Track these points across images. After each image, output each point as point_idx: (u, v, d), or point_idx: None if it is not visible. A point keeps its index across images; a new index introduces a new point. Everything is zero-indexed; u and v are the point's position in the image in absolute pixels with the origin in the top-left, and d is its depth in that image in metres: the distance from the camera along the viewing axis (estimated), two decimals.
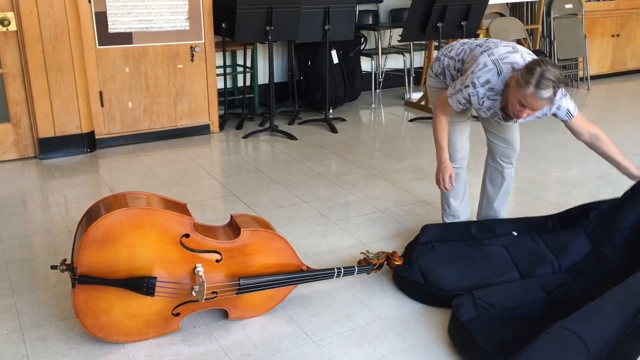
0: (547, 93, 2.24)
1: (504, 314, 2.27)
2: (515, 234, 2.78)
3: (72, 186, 3.78)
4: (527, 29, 6.03)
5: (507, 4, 6.12)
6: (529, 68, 2.27)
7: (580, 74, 6.59)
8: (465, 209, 3.01)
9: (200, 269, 2.18)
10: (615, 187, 3.79)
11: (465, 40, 2.75)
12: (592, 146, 2.64)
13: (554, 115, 2.52)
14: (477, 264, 2.60)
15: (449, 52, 2.74)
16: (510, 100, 2.37)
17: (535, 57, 2.43)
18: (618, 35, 6.83)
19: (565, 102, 2.47)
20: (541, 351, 1.94)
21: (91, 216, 2.13)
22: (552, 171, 4.09)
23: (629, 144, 4.64)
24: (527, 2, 6.11)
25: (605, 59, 6.88)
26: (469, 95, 2.48)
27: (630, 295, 2.17)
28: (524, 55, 2.46)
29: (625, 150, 4.45)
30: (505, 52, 2.47)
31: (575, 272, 2.52)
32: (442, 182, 2.69)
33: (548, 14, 6.18)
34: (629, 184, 3.82)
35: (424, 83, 2.96)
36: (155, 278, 2.13)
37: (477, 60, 2.48)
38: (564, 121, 2.55)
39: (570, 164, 4.23)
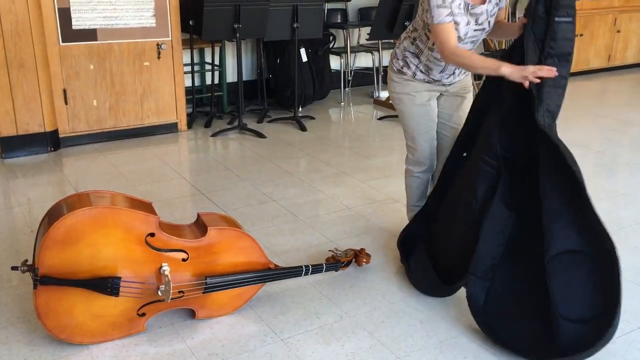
0: None
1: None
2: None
3: (35, 186, 3.70)
4: None
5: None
6: None
7: None
8: None
9: (166, 268, 2.15)
10: None
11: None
12: (497, 29, 2.56)
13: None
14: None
15: (401, 41, 2.67)
16: None
17: None
18: (581, 35, 6.97)
19: None
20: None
21: (52, 216, 2.09)
22: None
23: (590, 141, 4.74)
24: None
25: None
26: None
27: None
28: None
29: (586, 146, 4.57)
30: None
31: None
32: (535, 75, 2.19)
33: (513, 14, 6.27)
34: (594, 180, 3.90)
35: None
36: (120, 278, 2.09)
37: None
38: (499, 8, 2.51)
39: None
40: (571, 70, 6.37)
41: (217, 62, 5.41)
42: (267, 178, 3.91)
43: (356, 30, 6.41)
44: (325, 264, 2.58)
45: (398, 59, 2.66)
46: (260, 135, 4.80)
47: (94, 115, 4.44)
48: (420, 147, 2.73)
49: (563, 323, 2.05)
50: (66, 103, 4.31)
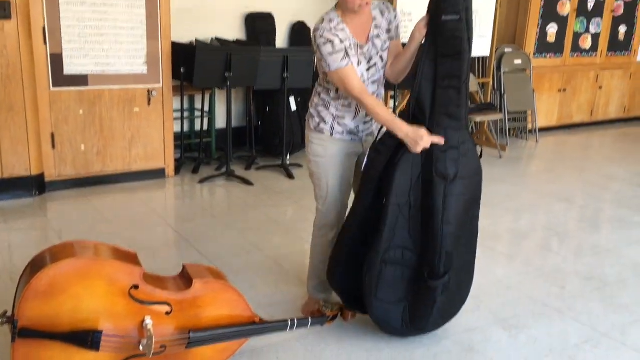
0: None
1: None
2: None
3: (18, 230, 3.65)
4: (479, 83, 6.24)
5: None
6: None
7: (529, 126, 6.83)
8: None
9: (149, 321, 2.11)
10: (564, 238, 3.90)
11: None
12: (394, 67, 2.56)
13: (388, 29, 2.53)
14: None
15: (312, 99, 2.65)
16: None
17: None
18: (564, 90, 7.15)
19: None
20: None
21: (36, 266, 2.05)
22: (503, 221, 4.18)
23: (574, 196, 4.80)
24: (479, 58, 6.34)
25: (553, 112, 7.17)
26: (324, 37, 2.36)
27: None
28: None
29: (570, 201, 4.63)
30: None
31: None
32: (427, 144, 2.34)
33: (498, 68, 6.42)
34: (577, 235, 3.94)
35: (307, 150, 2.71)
36: (101, 332, 2.04)
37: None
38: (392, 38, 2.53)
39: (520, 215, 4.33)
40: (555, 124, 6.55)
41: (207, 108, 5.46)
42: (254, 226, 3.89)
43: None
44: (311, 318, 2.55)
45: (314, 117, 2.60)
46: (247, 182, 4.81)
47: (81, 160, 4.43)
48: (332, 209, 2.65)
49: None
50: (54, 147, 4.30)
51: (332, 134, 2.56)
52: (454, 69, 2.31)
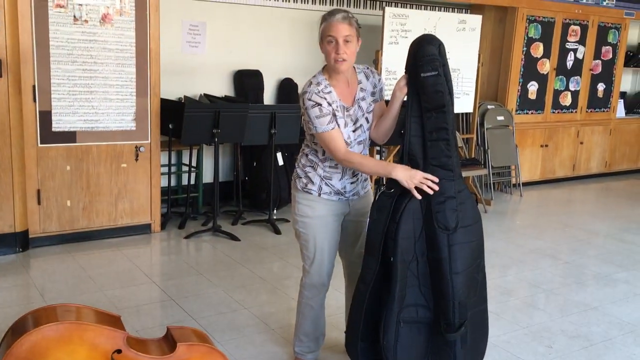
0: (339, 14, 2.42)
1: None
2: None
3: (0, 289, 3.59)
4: (463, 138, 6.36)
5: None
6: (321, 18, 2.48)
7: (513, 180, 6.93)
8: (321, 338, 2.85)
9: None
10: (550, 295, 3.91)
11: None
12: (378, 128, 2.62)
13: (373, 92, 2.59)
14: None
15: (299, 159, 2.69)
16: (325, 53, 2.46)
17: None
18: (546, 146, 7.29)
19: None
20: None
21: (17, 330, 2.03)
22: (489, 278, 4.17)
23: (559, 251, 4.84)
24: (463, 114, 6.49)
25: (536, 167, 7.28)
26: (312, 100, 2.44)
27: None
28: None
29: (555, 256, 4.66)
30: None
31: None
32: (425, 186, 2.38)
33: (482, 124, 6.56)
34: (562, 292, 3.94)
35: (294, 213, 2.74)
36: None
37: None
38: (376, 101, 2.61)
39: (506, 271, 4.35)
40: (539, 179, 6.63)
41: (194, 163, 5.49)
42: (240, 284, 3.86)
43: None
44: None
45: (301, 178, 2.63)
46: (234, 237, 4.80)
47: (67, 216, 4.41)
48: (320, 269, 2.65)
49: None
50: (39, 203, 4.29)
51: (319, 194, 2.59)
52: (440, 122, 2.39)
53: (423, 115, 2.41)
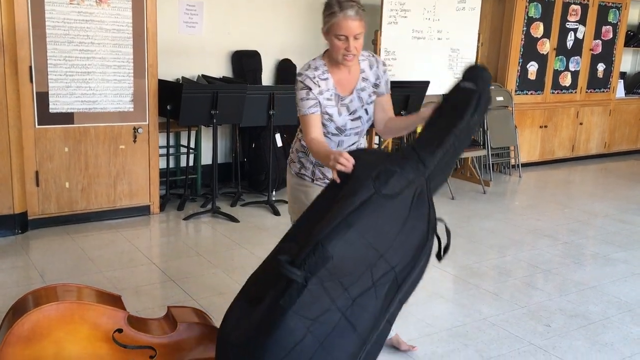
0: (352, 10, 2.28)
1: None
2: None
3: None
4: None
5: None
6: (325, 7, 2.34)
7: (512, 161, 6.92)
8: None
9: None
10: (548, 274, 3.92)
11: None
12: (388, 128, 2.56)
13: (375, 84, 2.53)
14: None
15: (293, 145, 2.65)
16: (332, 48, 2.36)
17: None
18: (546, 127, 7.27)
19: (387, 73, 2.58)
20: None
21: (18, 310, 2.03)
22: (487, 258, 4.20)
23: (558, 232, 4.85)
24: None
25: (535, 148, 7.28)
26: (303, 83, 2.39)
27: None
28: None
29: (554, 237, 4.67)
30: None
31: None
32: (341, 165, 2.04)
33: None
34: (561, 271, 3.96)
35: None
36: None
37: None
38: (380, 94, 2.55)
39: (504, 251, 4.36)
40: (538, 160, 6.52)
41: (192, 145, 5.47)
42: (239, 265, 3.87)
43: None
44: None
45: (295, 162, 2.62)
46: (233, 219, 4.80)
47: (65, 197, 4.40)
48: None
49: None
50: (37, 185, 4.28)
51: (313, 181, 2.57)
52: (450, 124, 2.08)
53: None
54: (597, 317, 3.31)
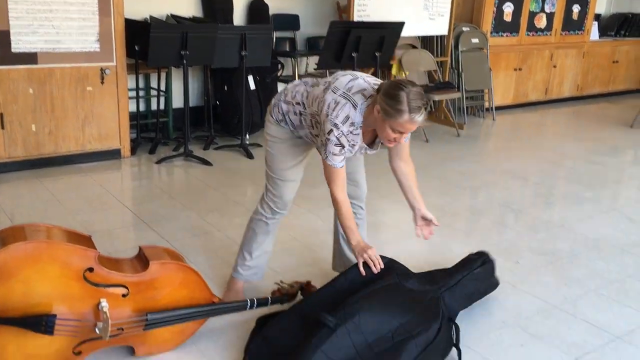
0: (421, 116, 2.14)
1: None
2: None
3: None
4: (437, 61, 6.29)
5: (418, 37, 6.36)
6: (392, 95, 2.12)
7: (486, 104, 6.93)
8: (264, 263, 2.82)
9: (104, 304, 2.07)
10: (519, 214, 3.99)
11: (298, 81, 2.53)
12: (395, 171, 2.57)
13: None
14: None
15: (285, 97, 2.50)
16: (381, 131, 2.23)
17: (377, 80, 2.38)
18: (520, 69, 7.26)
19: None
20: None
21: None
22: (460, 199, 4.25)
23: (529, 173, 4.91)
24: (437, 36, 6.38)
25: (509, 90, 7.28)
26: (338, 139, 2.26)
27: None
28: (366, 79, 2.34)
29: (525, 178, 4.74)
30: (347, 81, 2.31)
31: None
32: (372, 265, 2.37)
33: (456, 47, 6.48)
34: (531, 211, 4.03)
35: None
36: (55, 316, 2.00)
37: (324, 100, 2.27)
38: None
39: (477, 193, 4.41)
40: (511, 103, 6.70)
41: (163, 87, 5.34)
42: (213, 207, 3.85)
43: (304, 59, 6.47)
44: (271, 297, 2.55)
45: (279, 112, 2.50)
46: (206, 162, 4.75)
47: (32, 141, 4.29)
48: (282, 194, 2.62)
49: None
50: (2, 128, 4.15)
51: (293, 129, 2.51)
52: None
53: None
54: (565, 254, 3.39)
